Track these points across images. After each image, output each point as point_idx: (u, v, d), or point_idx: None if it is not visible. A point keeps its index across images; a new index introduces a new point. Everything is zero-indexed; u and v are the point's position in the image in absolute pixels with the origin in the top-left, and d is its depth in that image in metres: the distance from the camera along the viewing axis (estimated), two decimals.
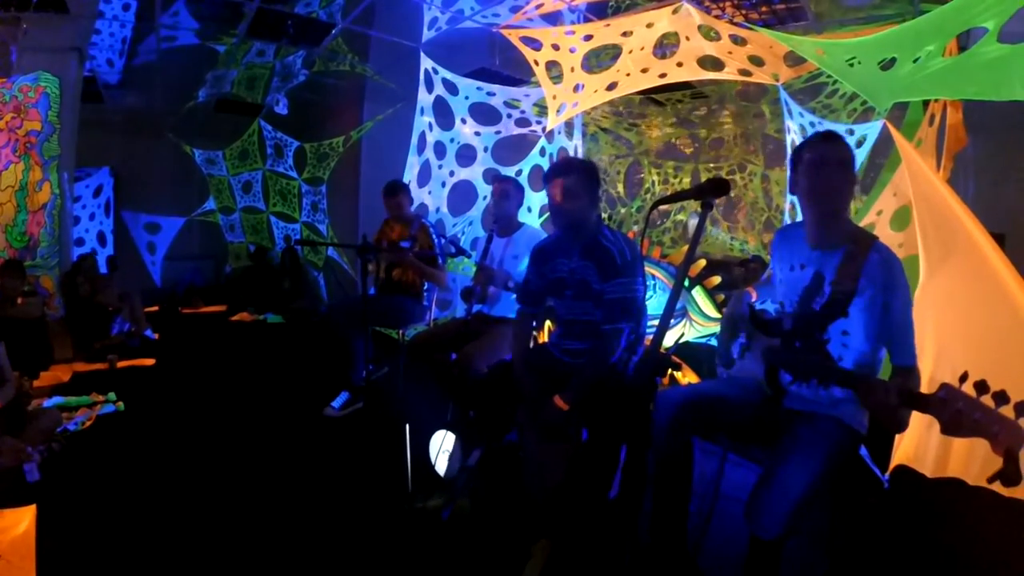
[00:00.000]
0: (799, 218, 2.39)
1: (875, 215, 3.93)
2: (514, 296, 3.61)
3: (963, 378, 1.58)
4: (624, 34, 5.37)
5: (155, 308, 9.40)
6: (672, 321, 4.45)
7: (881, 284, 2.07)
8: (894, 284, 2.07)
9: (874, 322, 2.10)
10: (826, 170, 2.12)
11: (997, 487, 2.56)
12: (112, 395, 4.87)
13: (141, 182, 10.93)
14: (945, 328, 2.96)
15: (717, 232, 10.10)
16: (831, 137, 2.19)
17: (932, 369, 2.93)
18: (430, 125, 6.77)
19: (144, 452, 3.94)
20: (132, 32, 8.33)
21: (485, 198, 6.85)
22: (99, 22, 7.68)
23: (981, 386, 1.53)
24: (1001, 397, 1.50)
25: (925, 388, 2.87)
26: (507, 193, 4.08)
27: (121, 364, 6.06)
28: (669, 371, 4.23)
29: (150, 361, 6.37)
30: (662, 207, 9.22)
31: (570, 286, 3.00)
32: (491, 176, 6.01)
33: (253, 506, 3.22)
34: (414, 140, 6.70)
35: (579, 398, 2.75)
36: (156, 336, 7.31)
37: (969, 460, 2.81)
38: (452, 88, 6.76)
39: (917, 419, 3.07)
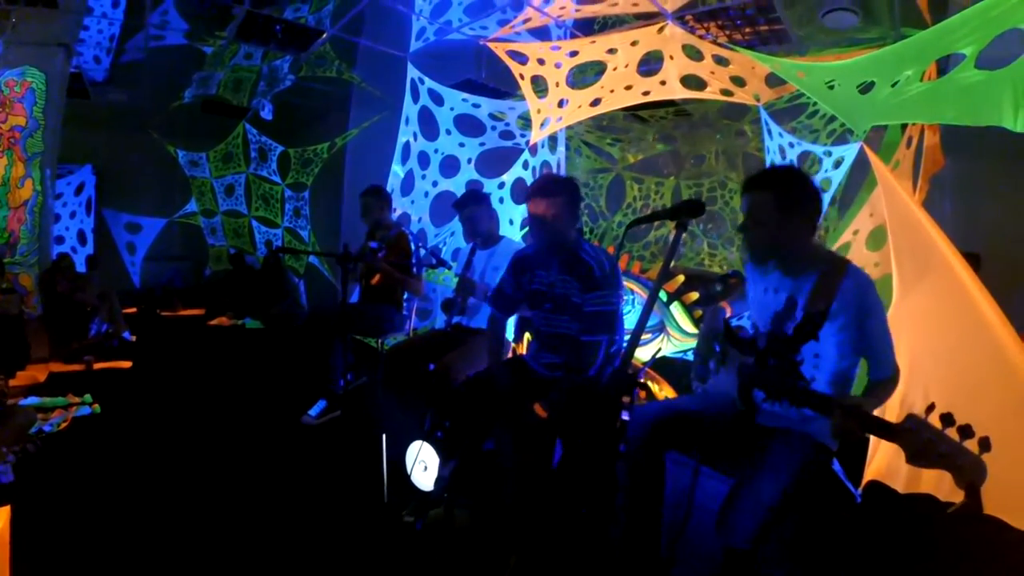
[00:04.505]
0: None
1: (851, 234, 4.00)
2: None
3: (930, 408, 1.60)
4: (609, 51, 5.42)
5: (133, 310, 9.32)
6: (650, 336, 4.50)
7: (855, 309, 2.10)
8: (868, 308, 2.10)
9: (847, 345, 2.14)
10: (762, 213, 2.17)
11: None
12: (88, 397, 4.83)
13: (124, 181, 10.88)
14: (916, 347, 3.01)
15: (699, 247, 10.15)
16: (760, 179, 2.23)
17: (904, 390, 2.97)
18: (415, 135, 6.79)
19: (119, 456, 3.92)
20: (120, 30, 8.30)
21: None
22: (87, 18, 7.65)
23: (947, 418, 1.55)
24: (966, 431, 1.52)
25: (895, 408, 2.92)
26: (470, 218, 4.09)
27: (98, 365, 6.00)
28: (642, 390, 4.25)
29: (127, 363, 6.32)
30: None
31: (549, 299, 3.04)
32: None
33: (228, 513, 3.21)
34: (398, 149, 6.72)
35: (558, 407, 2.77)
36: (134, 338, 7.23)
37: (940, 476, 2.85)
38: (438, 98, 6.79)
39: None
